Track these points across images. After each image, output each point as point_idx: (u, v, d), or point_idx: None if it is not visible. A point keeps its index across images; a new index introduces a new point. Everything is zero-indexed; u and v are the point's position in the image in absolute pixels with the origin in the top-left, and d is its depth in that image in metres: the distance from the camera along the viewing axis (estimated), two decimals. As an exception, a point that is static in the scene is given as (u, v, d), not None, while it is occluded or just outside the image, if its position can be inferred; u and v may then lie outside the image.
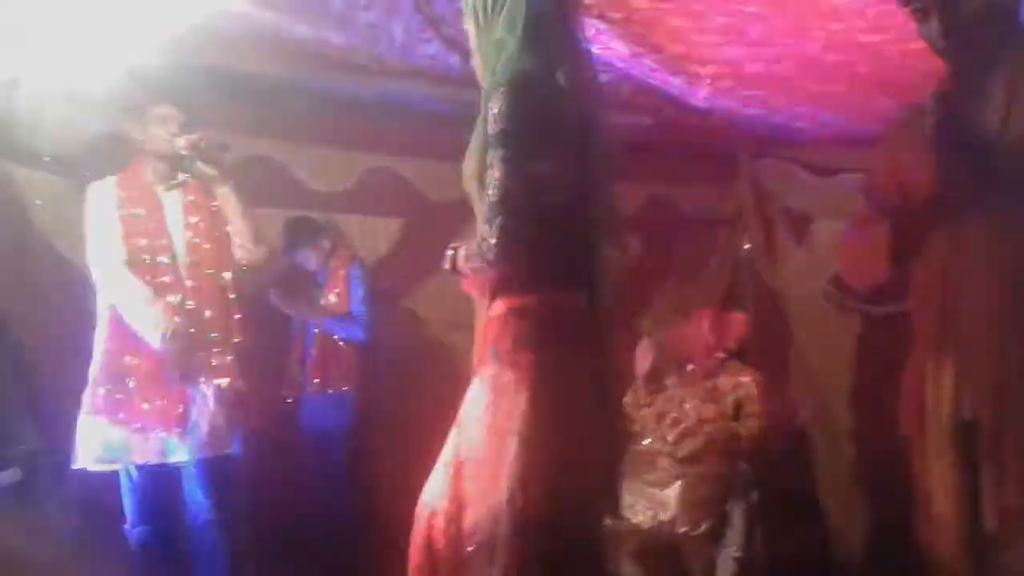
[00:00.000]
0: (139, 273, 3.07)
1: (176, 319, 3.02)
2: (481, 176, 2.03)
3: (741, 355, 4.05)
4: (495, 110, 1.97)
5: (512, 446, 1.95)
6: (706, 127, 4.12)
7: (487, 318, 2.08)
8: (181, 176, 3.20)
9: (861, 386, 4.36)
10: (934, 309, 2.17)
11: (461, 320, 4.47)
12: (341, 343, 4.11)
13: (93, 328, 3.66)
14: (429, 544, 2.00)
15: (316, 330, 4.13)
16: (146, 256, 3.09)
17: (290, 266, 4.22)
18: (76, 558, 3.27)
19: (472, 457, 2.02)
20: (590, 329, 2.06)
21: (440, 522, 2.00)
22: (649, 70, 3.49)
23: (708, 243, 4.98)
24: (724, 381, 3.95)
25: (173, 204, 3.18)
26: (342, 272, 4.19)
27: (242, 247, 3.21)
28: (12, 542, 3.11)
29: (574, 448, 1.97)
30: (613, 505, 2.14)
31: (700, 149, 4.47)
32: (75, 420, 3.35)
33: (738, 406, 3.89)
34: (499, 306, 2.05)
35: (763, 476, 3.85)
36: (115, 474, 3.13)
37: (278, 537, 3.66)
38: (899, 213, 2.26)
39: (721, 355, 4.01)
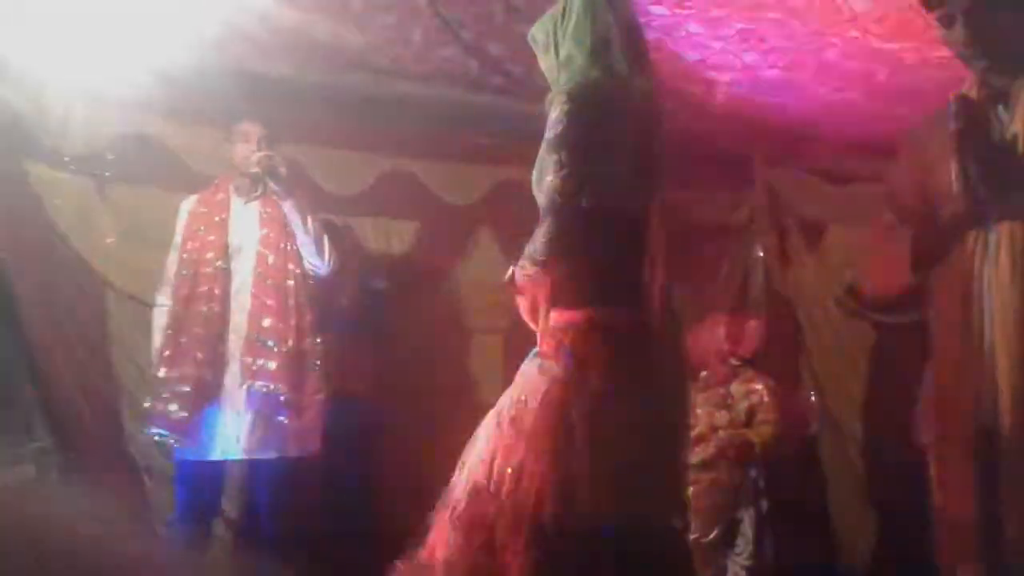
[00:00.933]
0: (182, 283, 3.21)
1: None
2: (540, 181, 2.04)
3: (754, 362, 4.04)
4: (554, 115, 1.98)
5: (547, 457, 1.94)
6: (721, 133, 4.12)
7: (543, 328, 2.06)
8: (259, 190, 3.33)
9: (872, 395, 4.35)
10: (957, 316, 2.16)
11: (475, 323, 4.53)
12: (354, 345, 4.11)
13: (106, 328, 3.74)
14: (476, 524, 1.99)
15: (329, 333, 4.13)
16: (186, 270, 3.22)
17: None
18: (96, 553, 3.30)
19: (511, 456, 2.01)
20: (641, 346, 2.04)
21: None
22: (666, 76, 3.50)
23: (721, 250, 4.97)
24: (737, 388, 3.94)
25: (252, 217, 3.30)
26: (356, 275, 4.19)
27: (308, 260, 3.34)
28: (27, 537, 3.13)
29: (622, 464, 1.95)
30: (676, 518, 2.13)
31: (715, 155, 4.47)
32: (87, 419, 3.43)
33: (751, 413, 3.88)
34: (555, 319, 2.05)
35: (774, 484, 3.84)
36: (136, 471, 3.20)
37: (303, 538, 3.66)
38: (921, 220, 2.25)
39: (734, 362, 4.01)
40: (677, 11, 2.97)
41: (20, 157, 3.67)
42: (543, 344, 2.05)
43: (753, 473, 3.82)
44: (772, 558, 3.75)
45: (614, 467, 1.94)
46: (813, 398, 4.54)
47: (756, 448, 3.81)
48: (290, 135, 4.07)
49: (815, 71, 3.34)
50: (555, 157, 1.97)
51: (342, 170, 4.29)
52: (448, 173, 4.42)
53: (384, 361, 4.17)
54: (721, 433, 3.83)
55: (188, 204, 3.34)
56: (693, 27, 3.09)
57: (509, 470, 1.95)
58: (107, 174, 3.81)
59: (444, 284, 4.60)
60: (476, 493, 1.97)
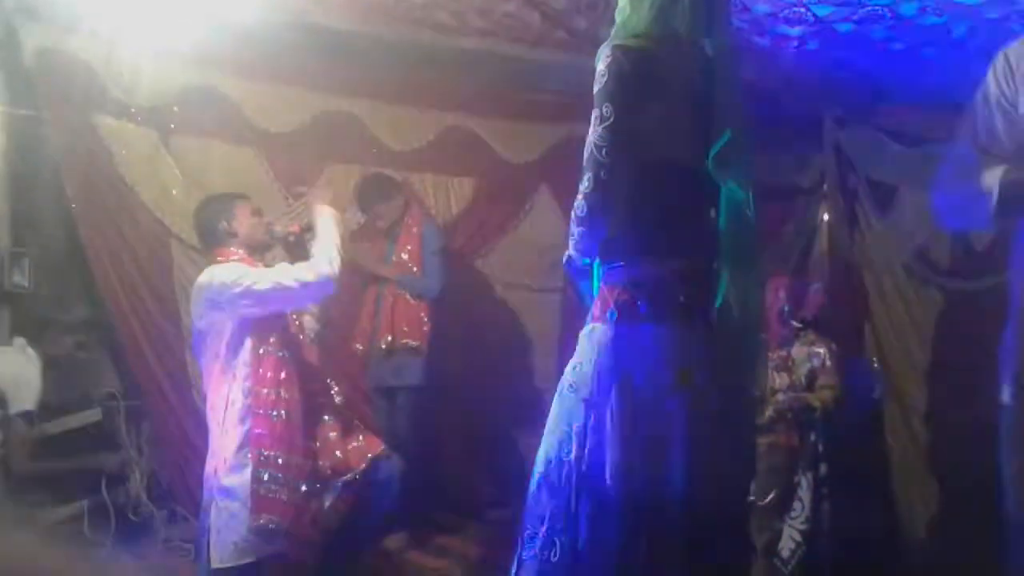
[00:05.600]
0: None
1: None
2: None
3: (816, 325, 3.97)
4: (599, 69, 1.94)
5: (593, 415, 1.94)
6: (789, 90, 4.01)
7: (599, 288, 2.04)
8: None
9: (938, 363, 4.24)
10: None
11: (531, 280, 4.52)
12: (412, 299, 4.13)
13: (172, 277, 3.82)
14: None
15: (388, 286, 4.16)
16: None
17: (365, 222, 4.26)
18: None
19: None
20: (689, 302, 1.99)
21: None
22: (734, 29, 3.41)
23: (786, 212, 4.87)
24: (798, 351, 3.86)
25: None
26: (415, 230, 4.20)
27: None
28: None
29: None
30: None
31: (781, 114, 4.34)
32: (153, 366, 3.50)
33: (812, 376, 3.81)
34: (604, 277, 2.03)
35: (834, 449, 3.78)
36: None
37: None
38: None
39: (796, 324, 3.93)
40: (747, -38, 2.89)
41: (91, 109, 3.75)
42: (594, 308, 2.02)
43: (812, 437, 3.76)
44: (828, 523, 3.70)
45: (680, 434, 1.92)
46: (876, 364, 4.45)
47: (816, 412, 3.75)
48: (351, 90, 4.09)
49: (891, 26, 3.22)
50: (596, 112, 1.93)
51: (403, 126, 4.30)
52: (509, 130, 4.40)
53: (442, 318, 4.19)
54: (780, 396, 3.77)
55: None
56: (763, -21, 3.00)
57: (574, 437, 1.94)
58: (172, 126, 3.87)
59: (502, 242, 4.59)
60: (549, 463, 1.97)
